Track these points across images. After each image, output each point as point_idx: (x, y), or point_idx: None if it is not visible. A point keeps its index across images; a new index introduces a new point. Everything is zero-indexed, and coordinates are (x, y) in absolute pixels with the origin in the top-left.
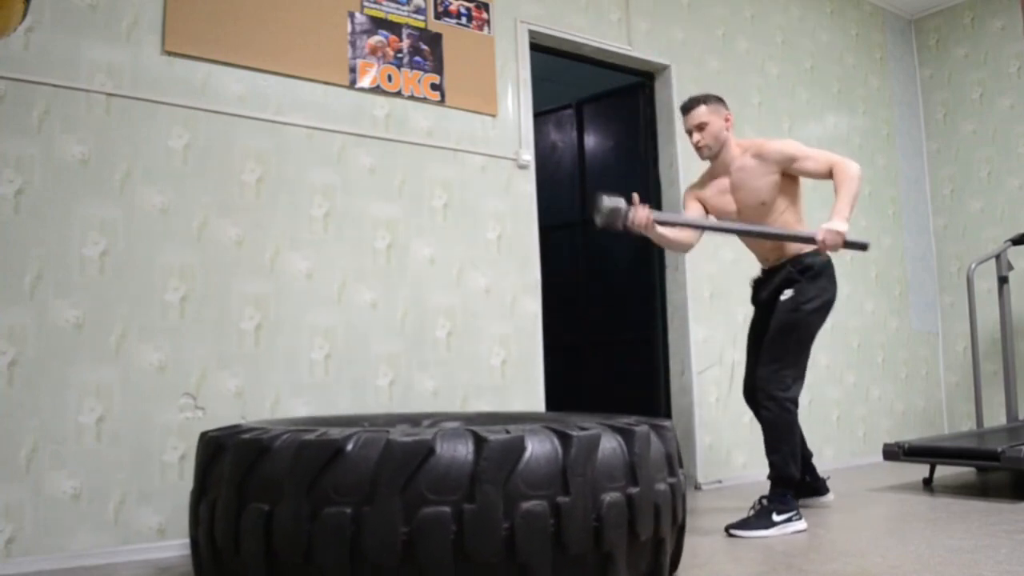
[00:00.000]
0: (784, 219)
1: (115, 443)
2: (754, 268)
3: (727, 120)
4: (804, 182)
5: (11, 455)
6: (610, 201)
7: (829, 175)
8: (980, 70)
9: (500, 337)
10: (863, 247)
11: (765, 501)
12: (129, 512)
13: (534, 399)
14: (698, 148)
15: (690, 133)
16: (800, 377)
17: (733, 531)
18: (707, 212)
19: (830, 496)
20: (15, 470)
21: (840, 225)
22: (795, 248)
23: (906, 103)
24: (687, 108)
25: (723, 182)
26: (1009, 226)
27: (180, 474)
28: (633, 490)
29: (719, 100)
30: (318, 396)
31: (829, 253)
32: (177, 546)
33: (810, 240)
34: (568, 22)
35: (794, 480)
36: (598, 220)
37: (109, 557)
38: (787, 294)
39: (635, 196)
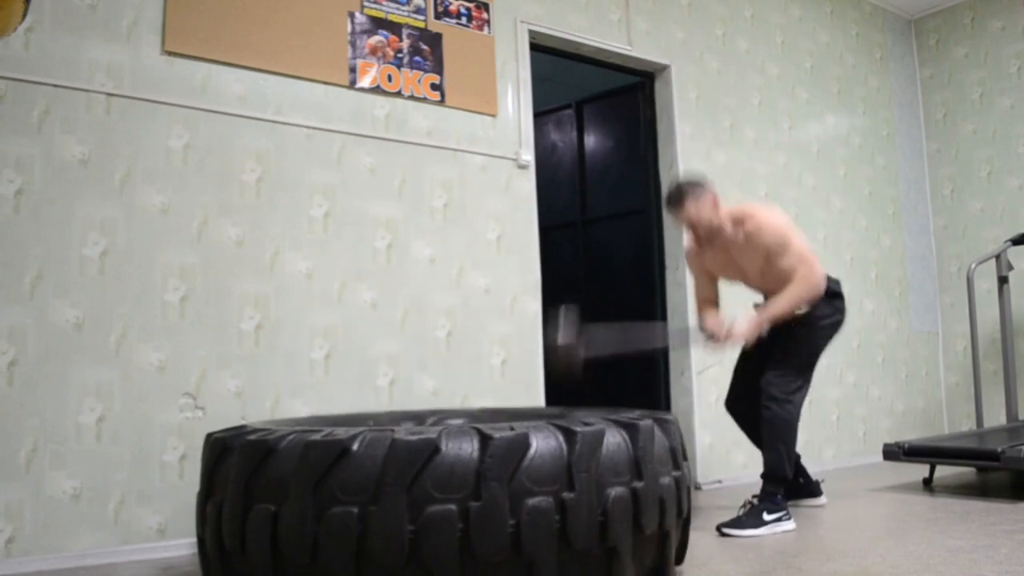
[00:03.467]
0: (790, 261)
1: (115, 443)
2: None
3: (714, 204)
4: (800, 181)
5: (11, 455)
6: (565, 336)
7: (791, 275)
8: (980, 70)
9: (500, 337)
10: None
11: (755, 500)
12: (129, 512)
13: (534, 399)
14: (694, 235)
15: (682, 225)
16: (804, 389)
17: (725, 530)
18: (715, 278)
19: (823, 498)
20: (15, 470)
21: (746, 328)
22: (819, 270)
23: (906, 103)
24: (672, 207)
25: (724, 255)
26: (1009, 226)
27: (180, 474)
28: (638, 484)
29: (700, 186)
30: (318, 396)
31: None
32: (177, 546)
33: (701, 335)
34: (568, 22)
35: (786, 480)
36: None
37: (109, 557)
38: (802, 310)
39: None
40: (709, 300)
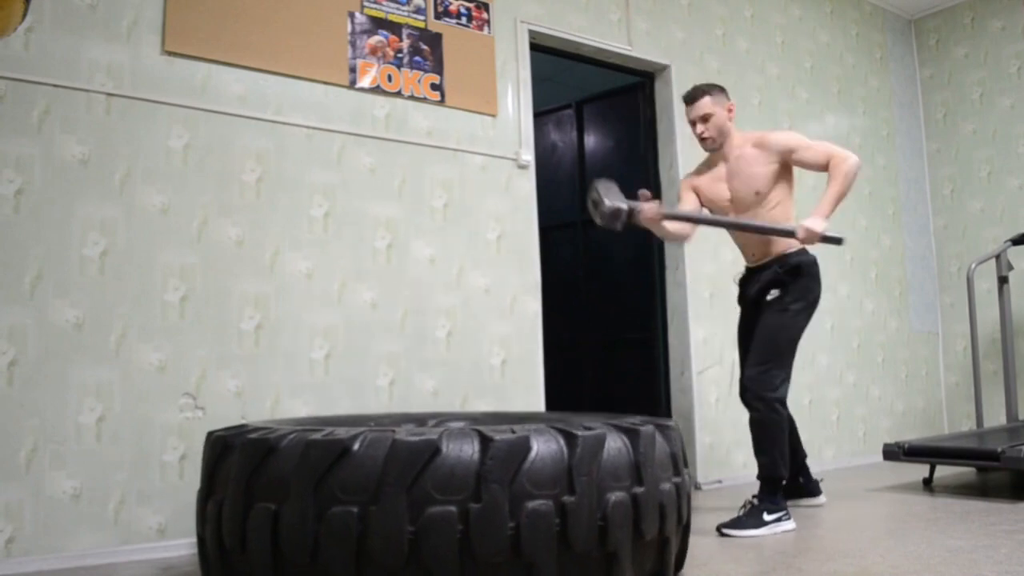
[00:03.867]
0: (774, 214)
1: (115, 443)
2: None
3: (730, 111)
4: (800, 180)
5: (11, 455)
6: (611, 202)
7: (826, 167)
8: (980, 70)
9: (500, 337)
10: (838, 241)
11: (755, 501)
12: (129, 512)
13: (534, 399)
14: (702, 139)
15: (693, 124)
16: (787, 378)
17: (725, 530)
18: (700, 201)
19: (822, 498)
20: (15, 470)
21: (817, 223)
22: (781, 246)
23: (906, 103)
24: (690, 99)
25: (720, 170)
26: (1009, 226)
27: (180, 474)
28: (638, 490)
29: (722, 90)
30: (318, 396)
31: (810, 249)
32: (177, 546)
33: (790, 234)
34: (568, 22)
35: (782, 480)
36: (597, 220)
37: (109, 557)
38: (773, 294)
39: (644, 193)
40: (680, 230)
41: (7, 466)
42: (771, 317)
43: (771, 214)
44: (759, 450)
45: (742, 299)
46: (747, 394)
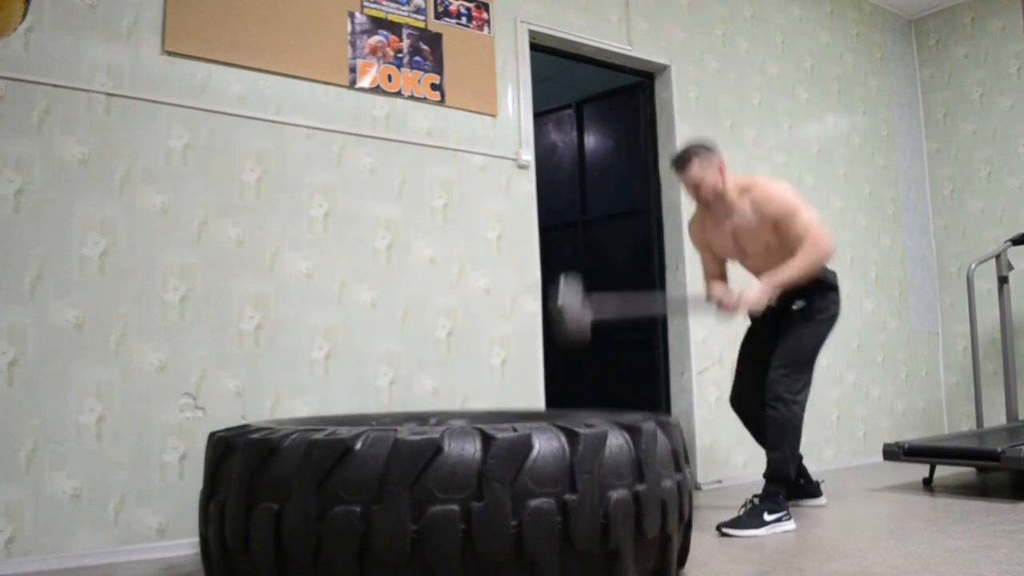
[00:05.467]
0: (801, 234)
1: (115, 443)
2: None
3: (720, 170)
4: (799, 181)
5: (11, 455)
6: (571, 317)
7: (800, 242)
8: (980, 70)
9: (500, 337)
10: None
11: (757, 500)
12: (129, 512)
13: (534, 399)
14: (696, 199)
15: (686, 186)
16: (808, 384)
17: (725, 530)
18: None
19: (822, 499)
20: (15, 470)
21: (754, 297)
22: (828, 238)
23: (906, 103)
24: (678, 168)
25: (725, 228)
26: (1009, 226)
27: (180, 474)
28: (640, 487)
29: (708, 150)
30: (318, 396)
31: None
32: (177, 546)
33: (710, 303)
34: (568, 22)
35: (789, 481)
36: (562, 327)
37: (109, 557)
38: (799, 304)
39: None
40: (716, 274)
41: (7, 466)
42: (797, 325)
43: (796, 233)
44: (772, 446)
45: (755, 314)
46: (767, 394)
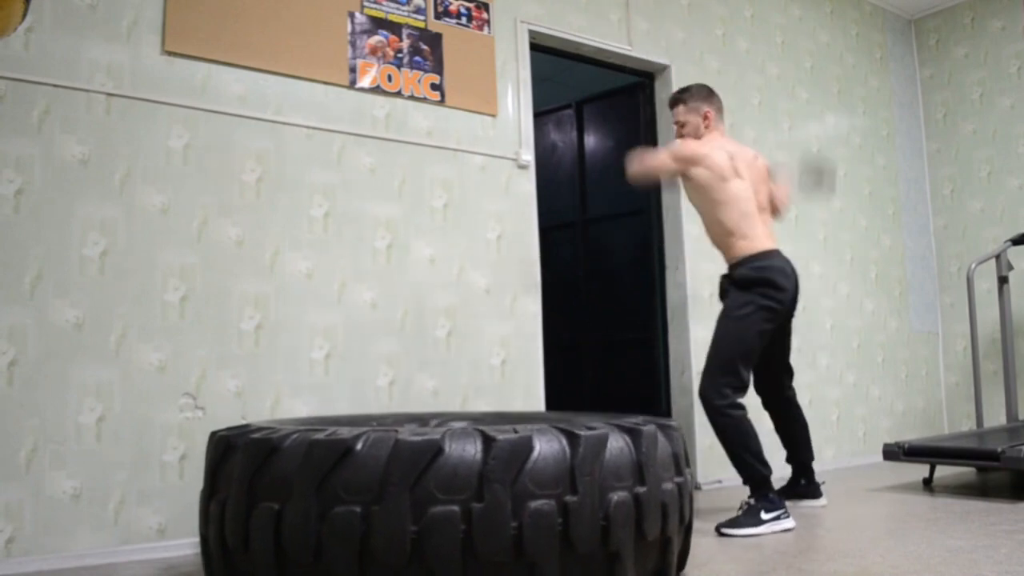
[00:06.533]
0: (723, 216)
1: (115, 443)
2: None
3: (706, 117)
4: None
5: (11, 455)
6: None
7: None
8: (980, 70)
9: (500, 337)
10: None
11: (752, 501)
12: (129, 512)
13: (534, 399)
14: (679, 136)
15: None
16: (739, 386)
17: (724, 530)
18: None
19: (823, 500)
20: (15, 470)
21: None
22: (734, 252)
23: (906, 103)
24: (670, 103)
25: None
26: (1009, 226)
27: (180, 474)
28: (640, 489)
29: (701, 96)
30: (318, 396)
31: (767, 260)
32: (177, 546)
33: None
34: (568, 22)
35: (766, 480)
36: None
37: (109, 557)
38: (724, 303)
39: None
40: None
41: (7, 466)
42: (717, 325)
43: (718, 217)
44: (731, 460)
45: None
46: (702, 403)
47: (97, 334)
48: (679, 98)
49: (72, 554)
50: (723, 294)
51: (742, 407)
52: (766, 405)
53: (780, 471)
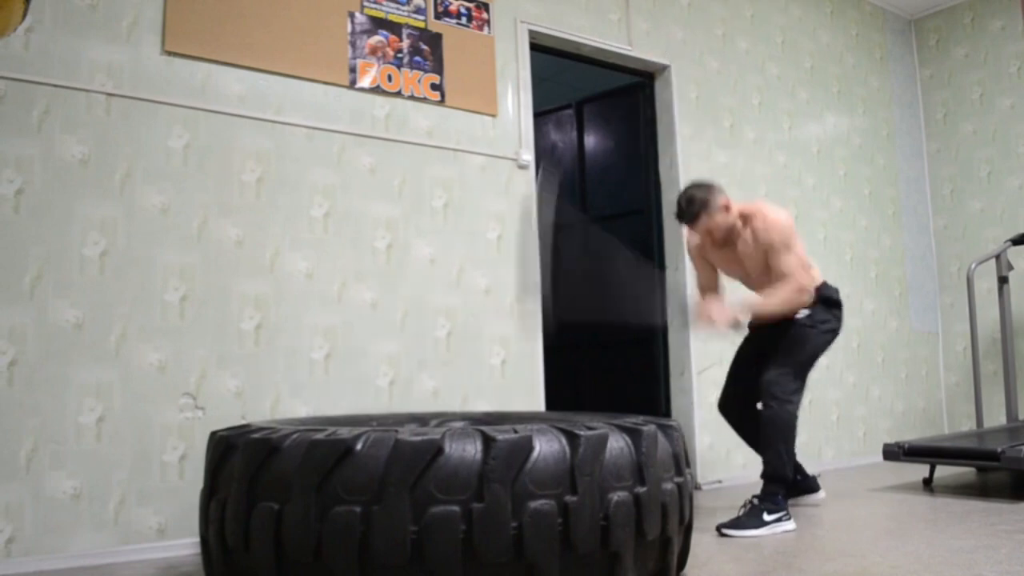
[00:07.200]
0: (786, 272)
1: (115, 443)
2: None
3: (727, 209)
4: (796, 179)
5: (11, 455)
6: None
7: (780, 277)
8: (980, 70)
9: (500, 337)
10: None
11: (756, 500)
12: (129, 512)
13: (534, 399)
14: (709, 244)
15: (698, 234)
16: (801, 388)
17: (725, 530)
18: (716, 272)
19: (822, 493)
20: (15, 470)
21: (740, 312)
22: (812, 276)
23: (906, 103)
24: (688, 221)
25: (728, 254)
26: (1009, 226)
27: (180, 474)
28: (640, 490)
29: (710, 195)
30: (318, 396)
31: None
32: (177, 546)
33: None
34: (568, 22)
35: (786, 481)
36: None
37: (109, 557)
38: (803, 313)
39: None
40: (710, 288)
41: (7, 466)
42: (799, 331)
43: (783, 268)
44: (766, 446)
45: (754, 324)
46: (762, 394)
47: (97, 334)
48: (696, 210)
49: (72, 554)
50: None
51: (798, 410)
52: (741, 417)
53: (756, 476)
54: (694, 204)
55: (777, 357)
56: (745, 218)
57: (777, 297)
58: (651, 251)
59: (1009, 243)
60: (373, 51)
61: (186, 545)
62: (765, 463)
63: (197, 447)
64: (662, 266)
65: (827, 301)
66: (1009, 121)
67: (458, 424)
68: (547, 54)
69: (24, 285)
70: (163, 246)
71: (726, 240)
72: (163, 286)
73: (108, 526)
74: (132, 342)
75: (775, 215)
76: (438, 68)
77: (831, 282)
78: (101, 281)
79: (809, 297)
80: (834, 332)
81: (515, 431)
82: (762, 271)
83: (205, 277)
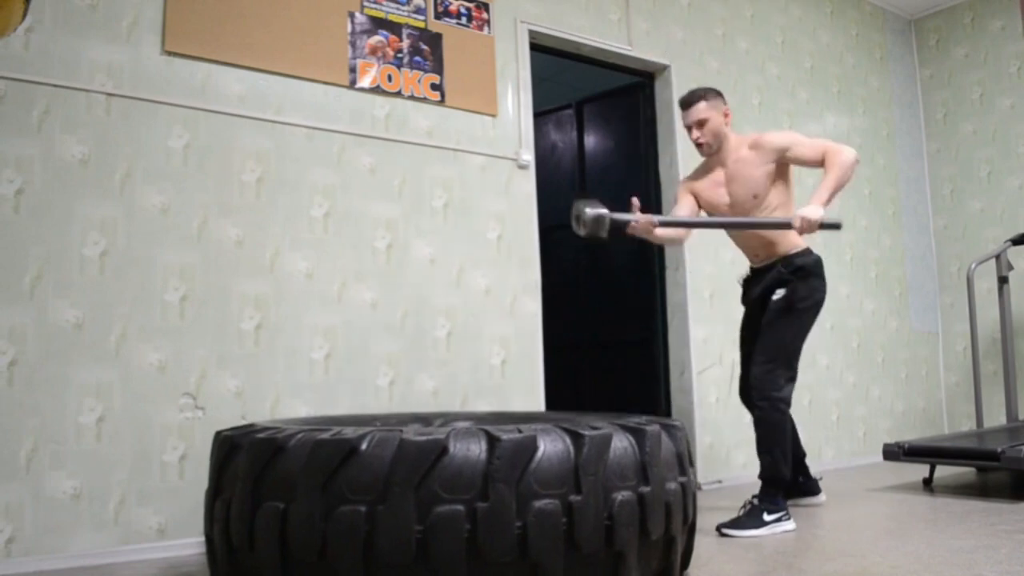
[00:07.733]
0: (774, 215)
1: (115, 443)
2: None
3: (726, 115)
4: (800, 181)
5: (11, 455)
6: (592, 211)
7: (822, 161)
8: (980, 70)
9: (500, 337)
10: (837, 227)
11: (756, 501)
12: (129, 512)
13: (534, 399)
14: (698, 145)
15: (689, 128)
16: (793, 378)
17: (725, 530)
18: (699, 205)
19: (822, 496)
20: (15, 470)
21: (813, 211)
22: (785, 247)
23: (906, 103)
24: (686, 104)
25: (718, 175)
26: (1009, 226)
27: (180, 474)
28: (644, 489)
29: (718, 94)
30: (318, 396)
31: (814, 248)
32: (177, 546)
33: (787, 225)
34: (568, 22)
35: (784, 481)
36: (582, 231)
37: (109, 557)
38: (779, 293)
39: (635, 202)
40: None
41: (7, 466)
42: (775, 316)
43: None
44: (762, 450)
45: (746, 299)
46: (752, 393)
47: (97, 334)
48: (699, 95)
49: (72, 554)
50: (749, 291)
51: (790, 404)
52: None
53: (756, 476)
54: (699, 90)
55: (760, 348)
56: (748, 143)
57: (832, 172)
58: (651, 251)
59: (1009, 243)
60: (373, 51)
61: (186, 545)
62: (762, 467)
63: (197, 447)
64: (662, 266)
65: (804, 272)
66: (1009, 121)
67: (462, 424)
68: (547, 54)
69: (24, 285)
70: (163, 246)
71: (717, 156)
72: (163, 286)
73: (108, 526)
74: (132, 342)
75: (774, 132)
76: (438, 68)
77: (831, 280)
78: (101, 281)
79: (852, 156)
80: (816, 306)
81: (519, 431)
82: (748, 197)
83: (205, 277)
